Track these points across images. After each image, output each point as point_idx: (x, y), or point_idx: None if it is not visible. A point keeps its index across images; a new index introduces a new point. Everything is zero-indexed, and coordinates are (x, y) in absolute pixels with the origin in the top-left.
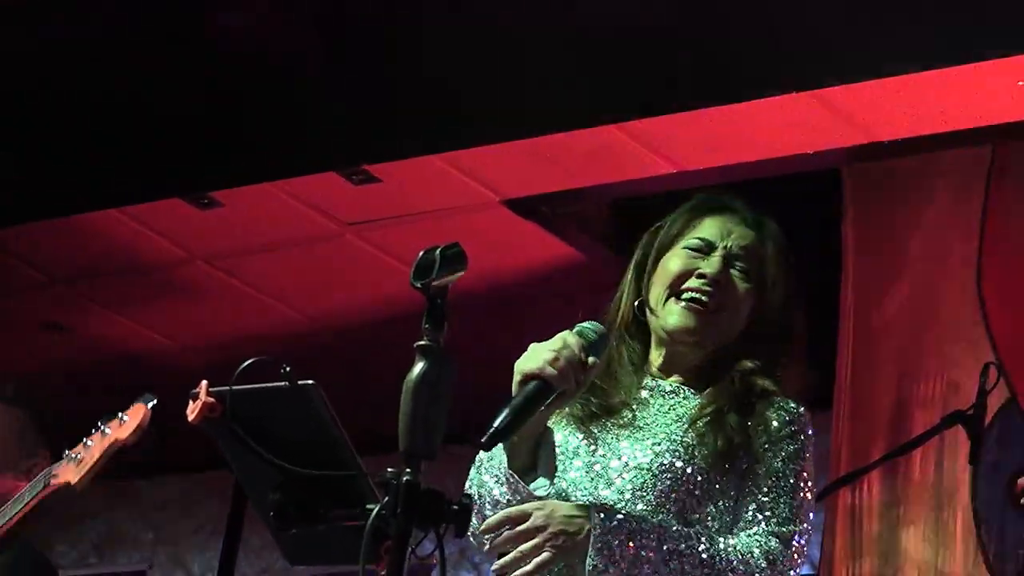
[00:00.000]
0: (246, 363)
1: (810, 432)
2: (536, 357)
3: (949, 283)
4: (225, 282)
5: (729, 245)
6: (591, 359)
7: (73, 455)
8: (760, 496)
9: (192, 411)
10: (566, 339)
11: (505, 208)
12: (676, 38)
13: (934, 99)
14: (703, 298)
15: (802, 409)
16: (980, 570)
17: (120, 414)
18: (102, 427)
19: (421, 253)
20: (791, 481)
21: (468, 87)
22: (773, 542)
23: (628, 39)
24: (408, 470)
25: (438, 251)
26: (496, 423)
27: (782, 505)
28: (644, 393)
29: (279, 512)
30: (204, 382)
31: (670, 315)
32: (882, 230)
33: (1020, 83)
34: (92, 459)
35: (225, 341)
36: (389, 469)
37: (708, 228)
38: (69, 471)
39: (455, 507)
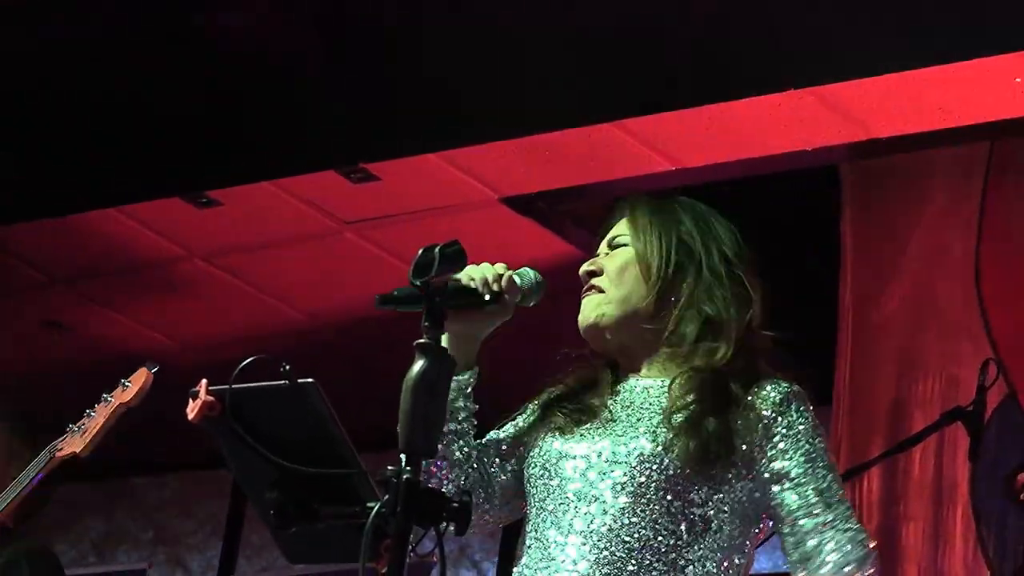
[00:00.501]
0: (246, 361)
1: (808, 405)
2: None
3: (948, 280)
4: (225, 280)
5: (608, 236)
6: (516, 280)
7: (76, 427)
8: (817, 484)
9: (192, 410)
10: (496, 264)
11: (504, 206)
12: (675, 36)
13: (932, 96)
14: (584, 291)
15: (795, 387)
16: (980, 567)
17: (123, 381)
18: (105, 397)
19: (420, 251)
20: (826, 461)
21: (466, 86)
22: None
23: (626, 38)
24: (408, 468)
25: (437, 249)
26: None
27: (834, 488)
28: (623, 393)
29: (279, 511)
30: (204, 381)
31: (579, 321)
32: (881, 227)
33: (1018, 80)
34: (96, 426)
35: (225, 340)
36: (389, 467)
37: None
38: (74, 442)
39: (455, 505)
